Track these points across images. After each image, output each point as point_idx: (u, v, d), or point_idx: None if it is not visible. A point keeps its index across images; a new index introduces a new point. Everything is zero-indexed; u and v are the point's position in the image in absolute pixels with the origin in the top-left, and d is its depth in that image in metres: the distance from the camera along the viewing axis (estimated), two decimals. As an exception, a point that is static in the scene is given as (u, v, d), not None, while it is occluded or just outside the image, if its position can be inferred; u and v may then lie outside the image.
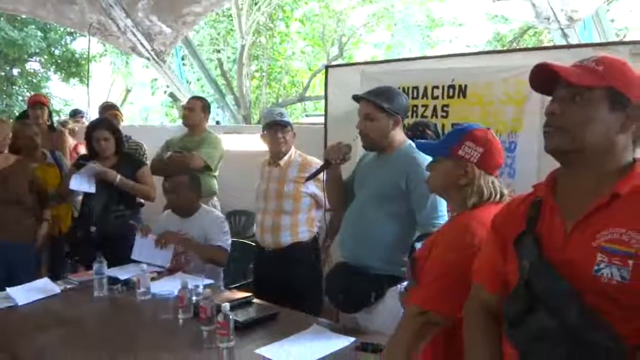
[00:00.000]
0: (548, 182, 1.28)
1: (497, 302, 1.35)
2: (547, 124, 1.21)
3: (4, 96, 14.96)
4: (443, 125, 3.57)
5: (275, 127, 3.08)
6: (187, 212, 3.37)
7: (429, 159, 1.92)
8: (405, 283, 2.23)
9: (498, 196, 1.72)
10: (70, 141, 5.13)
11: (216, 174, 4.18)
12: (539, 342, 1.13)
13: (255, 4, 11.65)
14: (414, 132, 3.06)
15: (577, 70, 1.19)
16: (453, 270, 1.60)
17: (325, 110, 4.37)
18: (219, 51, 12.93)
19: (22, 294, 2.71)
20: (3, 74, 15.13)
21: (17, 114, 12.59)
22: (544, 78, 1.23)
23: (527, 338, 1.16)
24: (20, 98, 14.06)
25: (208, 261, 3.21)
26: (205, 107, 4.26)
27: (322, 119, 4.44)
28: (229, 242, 3.32)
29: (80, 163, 3.61)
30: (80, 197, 3.78)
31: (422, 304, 1.65)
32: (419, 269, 1.73)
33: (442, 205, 2.23)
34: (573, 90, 1.17)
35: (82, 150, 4.92)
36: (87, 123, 6.31)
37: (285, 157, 3.14)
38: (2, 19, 13.25)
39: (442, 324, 1.62)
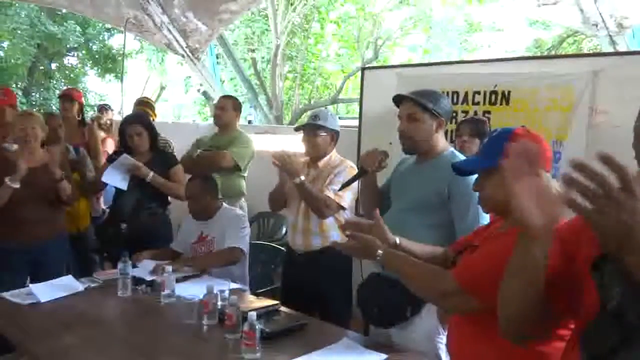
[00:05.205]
0: None
1: None
2: None
3: (42, 89, 15.28)
4: (484, 133, 3.41)
5: (305, 129, 3.04)
6: (207, 214, 3.27)
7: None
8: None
9: None
10: (101, 134, 5.08)
11: (245, 174, 4.09)
12: None
13: (291, 4, 11.60)
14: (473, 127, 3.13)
15: None
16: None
17: (360, 113, 4.24)
18: (253, 51, 12.92)
19: (45, 291, 2.66)
20: (42, 67, 15.45)
21: (53, 107, 12.86)
22: None
23: None
24: (57, 92, 14.29)
25: (222, 266, 3.10)
26: (237, 106, 4.19)
27: (354, 122, 4.33)
28: (247, 238, 3.20)
29: (113, 158, 3.54)
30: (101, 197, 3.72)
31: (459, 279, 1.58)
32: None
33: (484, 217, 2.08)
34: None
35: (110, 144, 4.87)
36: (112, 117, 6.32)
37: (325, 159, 3.06)
38: (43, 13, 13.52)
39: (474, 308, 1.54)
